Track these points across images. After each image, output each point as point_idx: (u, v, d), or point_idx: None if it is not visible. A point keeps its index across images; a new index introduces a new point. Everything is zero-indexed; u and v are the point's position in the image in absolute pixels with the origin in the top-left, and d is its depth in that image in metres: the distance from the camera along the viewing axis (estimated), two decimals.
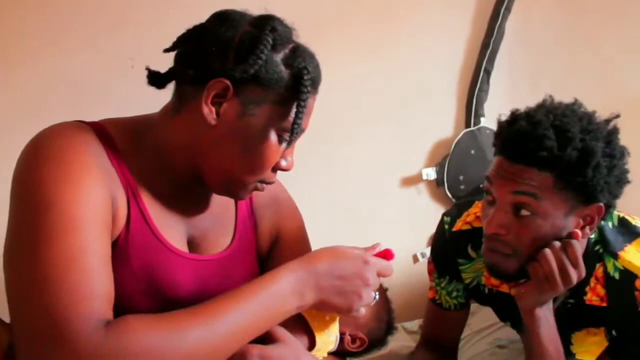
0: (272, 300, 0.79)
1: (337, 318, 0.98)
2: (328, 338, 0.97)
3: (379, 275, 0.89)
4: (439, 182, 2.06)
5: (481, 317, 1.71)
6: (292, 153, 0.91)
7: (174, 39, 0.88)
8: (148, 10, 1.63)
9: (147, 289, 0.83)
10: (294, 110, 0.83)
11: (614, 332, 1.13)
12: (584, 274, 1.03)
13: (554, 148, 0.96)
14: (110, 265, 0.75)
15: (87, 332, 0.65)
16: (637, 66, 2.01)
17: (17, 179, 0.77)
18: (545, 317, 1.08)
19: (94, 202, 0.76)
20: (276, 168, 0.90)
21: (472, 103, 2.05)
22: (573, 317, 1.14)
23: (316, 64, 0.87)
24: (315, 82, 0.86)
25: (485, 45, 2.04)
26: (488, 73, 2.05)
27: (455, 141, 2.04)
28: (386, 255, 0.91)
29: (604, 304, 1.11)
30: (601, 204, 1.01)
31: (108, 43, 1.60)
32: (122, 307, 0.75)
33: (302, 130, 0.88)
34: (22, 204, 0.75)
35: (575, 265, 1.02)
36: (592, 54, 2.06)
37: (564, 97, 1.09)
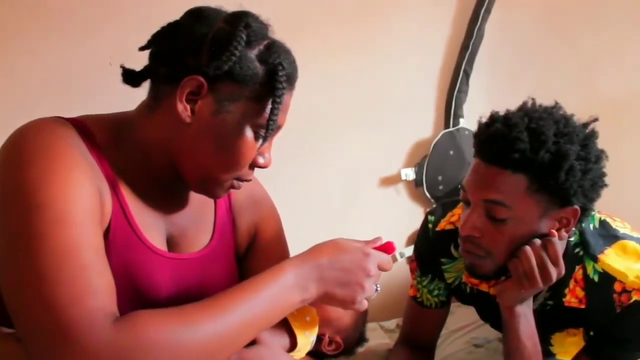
0: (277, 293, 0.79)
1: (318, 320, 0.99)
2: (308, 339, 0.97)
3: (379, 268, 0.88)
4: (417, 182, 2.06)
5: (458, 316, 1.72)
6: (270, 150, 0.91)
7: None
8: (132, 9, 1.62)
9: (126, 287, 0.81)
10: (269, 106, 0.83)
11: (591, 333, 1.14)
12: (563, 272, 1.04)
13: (526, 150, 0.97)
14: (106, 259, 0.74)
15: (95, 329, 0.64)
16: (616, 68, 2.04)
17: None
18: (525, 314, 1.09)
19: (84, 196, 0.74)
20: (253, 165, 0.89)
21: (451, 104, 2.06)
22: (552, 318, 1.15)
23: (292, 60, 0.86)
24: (290, 78, 0.85)
25: (464, 47, 2.05)
26: (467, 74, 2.06)
27: (434, 142, 2.05)
28: (387, 248, 0.91)
29: (583, 306, 1.12)
30: (576, 207, 1.02)
31: (91, 41, 1.58)
32: None
33: (279, 127, 0.88)
34: (10, 206, 0.72)
35: (555, 263, 1.03)
36: (571, 56, 2.08)
37: (542, 98, 1.10)
